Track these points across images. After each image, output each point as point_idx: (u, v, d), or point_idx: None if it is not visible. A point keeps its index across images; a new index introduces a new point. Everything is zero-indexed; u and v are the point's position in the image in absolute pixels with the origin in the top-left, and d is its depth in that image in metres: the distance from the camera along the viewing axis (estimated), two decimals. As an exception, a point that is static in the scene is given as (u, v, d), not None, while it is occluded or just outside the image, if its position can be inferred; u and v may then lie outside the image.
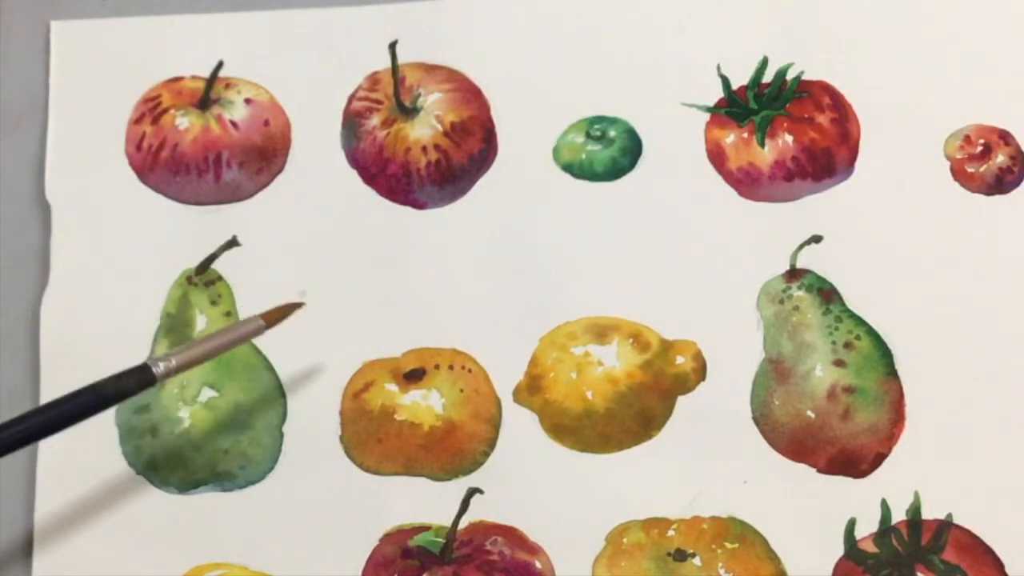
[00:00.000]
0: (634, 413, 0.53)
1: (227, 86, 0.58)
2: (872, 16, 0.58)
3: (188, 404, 0.53)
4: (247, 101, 0.58)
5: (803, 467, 0.52)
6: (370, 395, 0.53)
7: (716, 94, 0.57)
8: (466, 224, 0.56)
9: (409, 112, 0.57)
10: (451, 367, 0.53)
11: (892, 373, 0.53)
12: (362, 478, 0.52)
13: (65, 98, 0.58)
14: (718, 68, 0.58)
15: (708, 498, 0.51)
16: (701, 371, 0.53)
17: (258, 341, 0.52)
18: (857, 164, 0.56)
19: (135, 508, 0.52)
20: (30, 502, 0.52)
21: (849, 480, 0.52)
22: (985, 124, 0.56)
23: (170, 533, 0.51)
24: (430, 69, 0.58)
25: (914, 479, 0.51)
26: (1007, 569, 0.50)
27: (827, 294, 0.54)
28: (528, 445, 0.52)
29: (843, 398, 0.52)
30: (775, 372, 0.53)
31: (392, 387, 0.53)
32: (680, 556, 0.50)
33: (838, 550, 0.51)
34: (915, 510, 0.51)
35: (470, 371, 0.53)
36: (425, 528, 0.51)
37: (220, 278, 0.55)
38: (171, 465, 0.52)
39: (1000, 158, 0.56)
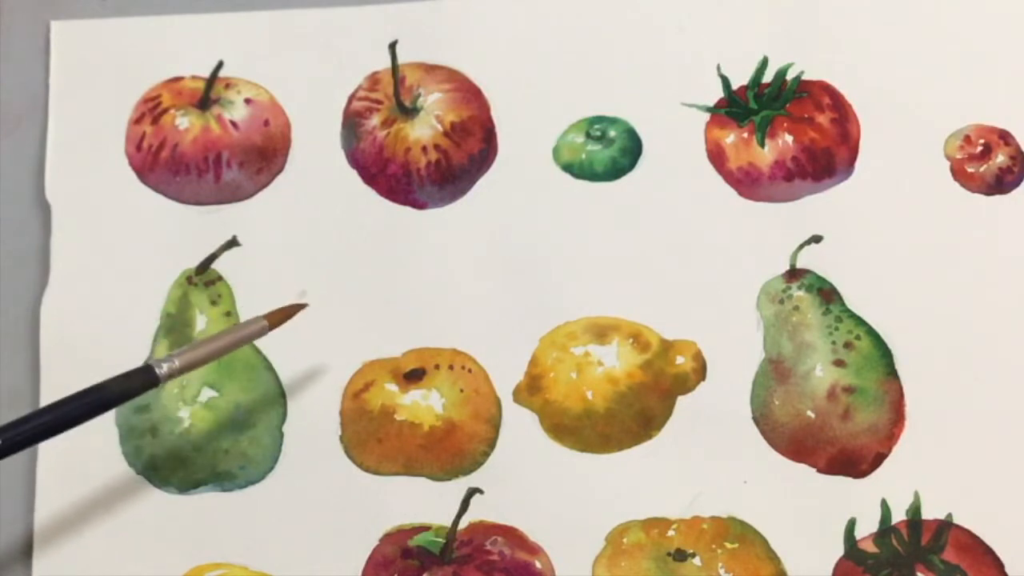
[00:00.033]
0: (634, 413, 0.53)
1: (227, 86, 0.58)
2: (872, 16, 0.58)
3: (188, 404, 0.53)
4: (247, 101, 0.58)
5: (803, 467, 0.52)
6: (370, 395, 0.53)
7: (716, 94, 0.57)
8: (466, 224, 0.56)
9: (409, 112, 0.57)
10: (451, 367, 0.53)
11: (892, 373, 0.53)
12: (362, 478, 0.52)
13: (65, 98, 0.58)
14: (718, 68, 0.58)
15: (708, 498, 0.51)
16: (701, 371, 0.53)
17: (258, 341, 0.52)
18: (857, 164, 0.56)
19: (135, 508, 0.52)
20: (30, 502, 0.52)
21: (849, 480, 0.52)
22: (985, 124, 0.56)
23: (170, 533, 0.51)
24: (430, 69, 0.58)
25: (914, 479, 0.51)
26: (1007, 569, 0.50)
27: (827, 294, 0.54)
28: (528, 445, 0.52)
29: (843, 398, 0.52)
30: (775, 372, 0.53)
31: (392, 387, 0.53)
32: (680, 556, 0.50)
33: (838, 550, 0.51)
34: (915, 510, 0.51)
35: (470, 371, 0.53)
36: (425, 528, 0.51)
37: (220, 278, 0.55)
38: (171, 465, 0.52)
39: (1000, 158, 0.56)
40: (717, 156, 0.56)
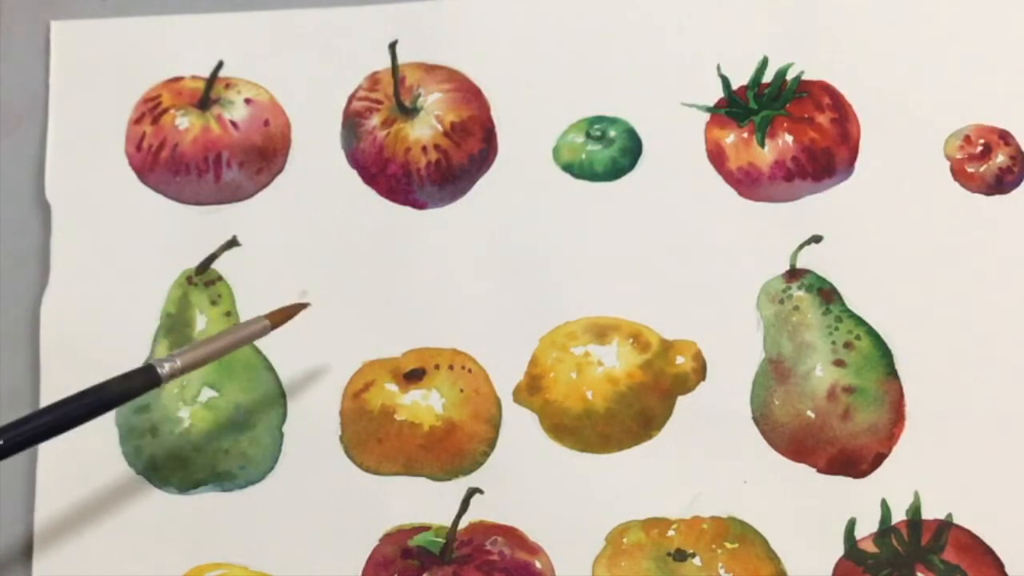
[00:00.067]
0: (634, 413, 0.53)
1: (227, 86, 0.58)
2: (872, 16, 0.58)
3: (188, 404, 0.53)
4: (247, 101, 0.58)
5: (803, 467, 0.52)
6: (370, 395, 0.53)
7: (716, 94, 0.57)
8: (466, 224, 0.56)
9: (409, 112, 0.57)
10: (451, 367, 0.53)
11: (892, 373, 0.53)
12: (362, 478, 0.52)
13: (65, 98, 0.58)
14: (718, 68, 0.58)
15: (708, 498, 0.51)
16: (701, 371, 0.53)
17: (258, 341, 0.52)
18: (857, 164, 0.56)
19: (135, 508, 0.52)
20: (30, 502, 0.52)
21: (849, 480, 0.52)
22: (985, 124, 0.56)
23: (170, 533, 0.51)
24: (430, 69, 0.58)
25: (914, 479, 0.51)
26: (1007, 569, 0.50)
27: (827, 294, 0.54)
28: (528, 445, 0.52)
29: (843, 398, 0.52)
30: (775, 372, 0.53)
31: (392, 387, 0.53)
32: (680, 556, 0.50)
33: (838, 550, 0.51)
34: (915, 510, 0.51)
35: (470, 371, 0.53)
36: (425, 528, 0.51)
37: (220, 278, 0.55)
38: (171, 465, 0.52)
39: (1000, 158, 0.56)
40: (717, 156, 0.56)
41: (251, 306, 0.54)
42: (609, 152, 0.56)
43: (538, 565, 0.51)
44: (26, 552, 0.51)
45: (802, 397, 0.53)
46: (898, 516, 0.51)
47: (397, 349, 0.54)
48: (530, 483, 0.52)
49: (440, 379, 0.53)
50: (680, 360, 0.53)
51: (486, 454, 0.52)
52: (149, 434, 0.53)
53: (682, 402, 0.53)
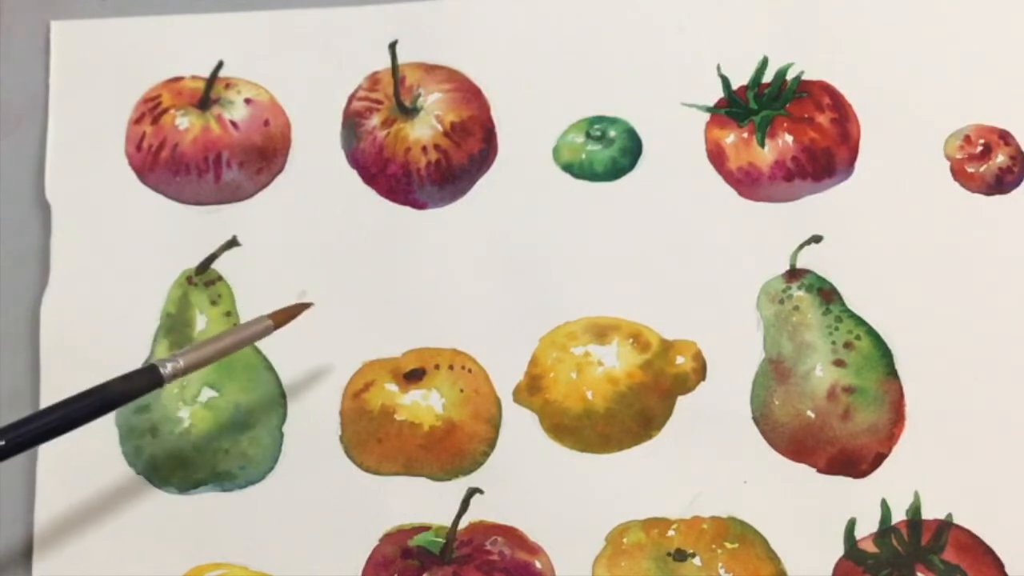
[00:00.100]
0: (634, 413, 0.53)
1: (227, 86, 0.58)
2: (872, 16, 0.58)
3: (188, 404, 0.53)
4: (247, 101, 0.58)
5: (803, 467, 0.52)
6: (370, 395, 0.53)
7: (716, 94, 0.57)
8: (466, 224, 0.56)
9: (409, 112, 0.57)
10: (451, 367, 0.53)
11: (892, 373, 0.53)
12: (362, 478, 0.52)
13: (65, 98, 0.58)
14: (718, 68, 0.58)
15: (708, 498, 0.51)
16: (701, 371, 0.53)
17: (258, 341, 0.52)
18: (857, 164, 0.56)
19: (135, 508, 0.52)
20: (30, 502, 0.52)
21: (849, 480, 0.52)
22: (985, 124, 0.56)
23: (170, 533, 0.51)
24: (430, 69, 0.58)
25: (914, 479, 0.51)
26: (1007, 569, 0.50)
27: (827, 294, 0.54)
28: (528, 445, 0.52)
29: (843, 398, 0.52)
30: (775, 372, 0.53)
31: (392, 387, 0.53)
32: (680, 556, 0.50)
33: (838, 550, 0.51)
34: (915, 510, 0.51)
35: (470, 371, 0.53)
36: (425, 528, 0.51)
37: (220, 278, 0.55)
38: (171, 465, 0.52)
39: (1000, 158, 0.56)
40: (717, 156, 0.56)
41: (251, 306, 0.54)
42: (609, 152, 0.56)
43: (538, 565, 0.51)
44: (26, 552, 0.51)
45: (802, 397, 0.53)
46: (898, 516, 0.51)
47: (397, 349, 0.54)
48: (530, 483, 0.52)
49: (440, 379, 0.53)
50: (680, 360, 0.53)
51: (486, 454, 0.52)
52: (149, 434, 0.53)
53: (682, 402, 0.53)
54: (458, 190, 0.56)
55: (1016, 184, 0.55)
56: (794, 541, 0.51)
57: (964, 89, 0.57)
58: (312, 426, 0.53)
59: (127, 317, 0.54)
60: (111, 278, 0.55)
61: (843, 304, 0.54)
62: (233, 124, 0.57)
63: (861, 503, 0.51)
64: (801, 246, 0.55)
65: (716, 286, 0.54)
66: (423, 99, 0.58)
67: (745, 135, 0.57)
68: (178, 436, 0.53)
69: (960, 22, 0.58)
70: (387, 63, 0.58)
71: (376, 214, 0.56)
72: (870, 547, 0.51)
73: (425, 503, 0.52)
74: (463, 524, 0.51)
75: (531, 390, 0.53)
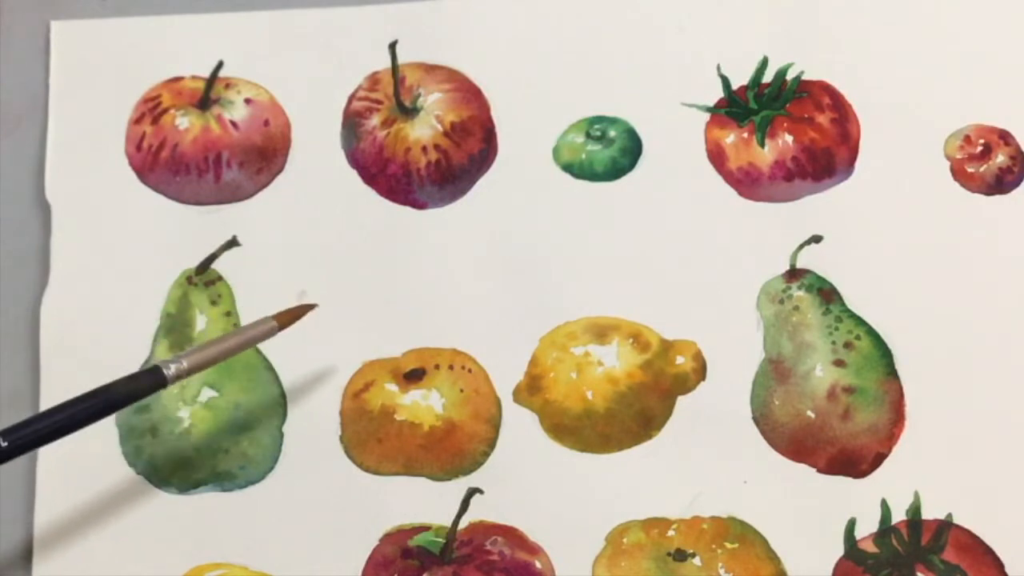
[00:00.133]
0: (634, 413, 0.53)
1: (227, 86, 0.58)
2: (872, 16, 0.58)
3: (188, 404, 0.53)
4: (247, 101, 0.58)
5: (803, 467, 0.52)
6: (370, 395, 0.53)
7: (716, 94, 0.57)
8: (466, 224, 0.56)
9: (409, 112, 0.57)
10: (451, 367, 0.53)
11: (892, 373, 0.53)
12: (362, 478, 0.52)
13: (65, 98, 0.58)
14: (718, 68, 0.58)
15: (708, 498, 0.51)
16: (701, 371, 0.53)
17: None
18: (857, 164, 0.56)
19: (135, 508, 0.52)
20: (30, 502, 0.52)
21: (849, 480, 0.52)
22: (985, 124, 0.56)
23: (170, 533, 0.51)
24: (430, 69, 0.58)
25: (914, 479, 0.51)
26: (1007, 569, 0.50)
27: (827, 294, 0.54)
28: (528, 445, 0.52)
29: (843, 398, 0.52)
30: (775, 372, 0.53)
31: (392, 387, 0.53)
32: (680, 556, 0.50)
33: (838, 550, 0.51)
34: (915, 510, 0.51)
35: (470, 371, 0.53)
36: (425, 528, 0.51)
37: (220, 278, 0.55)
38: (171, 465, 0.52)
39: (1000, 158, 0.56)
40: (717, 156, 0.56)
41: (251, 306, 0.54)
42: (609, 152, 0.56)
43: (538, 565, 0.51)
44: (26, 552, 0.51)
45: (802, 397, 0.53)
46: (898, 516, 0.51)
47: (397, 349, 0.54)
48: (530, 483, 0.52)
49: (440, 379, 0.53)
50: (680, 360, 0.53)
51: (486, 454, 0.52)
52: (149, 434, 0.53)
53: (682, 402, 0.53)
54: (458, 190, 0.56)
55: (1016, 184, 0.55)
56: (794, 541, 0.51)
57: (964, 89, 0.57)
58: (312, 426, 0.53)
59: (127, 317, 0.54)
60: (111, 278, 0.55)
61: (843, 304, 0.54)
62: (233, 124, 0.57)
63: (861, 503, 0.51)
64: (801, 246, 0.55)
65: (716, 286, 0.54)
66: (423, 99, 0.58)
67: (745, 135, 0.57)
68: (178, 436, 0.53)
69: (960, 22, 0.58)
70: (387, 63, 0.58)
71: (376, 214, 0.56)
72: (870, 547, 0.51)
73: (425, 503, 0.52)
74: (463, 524, 0.51)
75: (531, 390, 0.53)
